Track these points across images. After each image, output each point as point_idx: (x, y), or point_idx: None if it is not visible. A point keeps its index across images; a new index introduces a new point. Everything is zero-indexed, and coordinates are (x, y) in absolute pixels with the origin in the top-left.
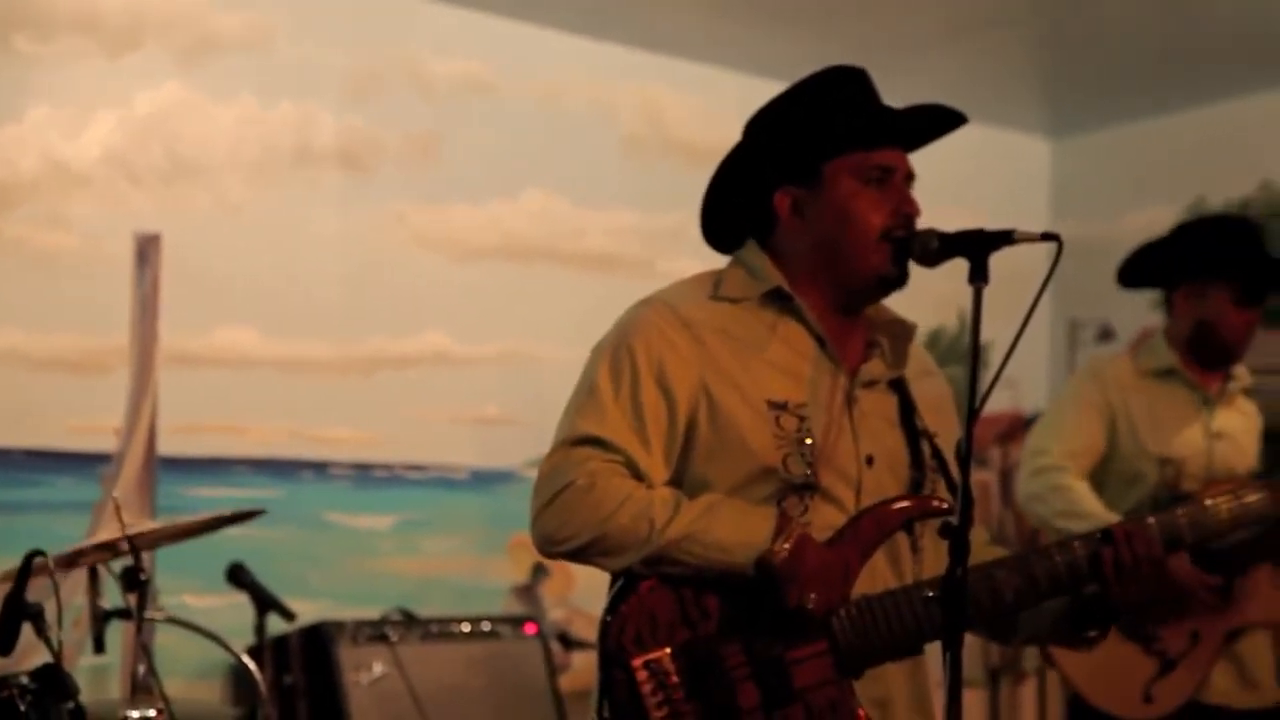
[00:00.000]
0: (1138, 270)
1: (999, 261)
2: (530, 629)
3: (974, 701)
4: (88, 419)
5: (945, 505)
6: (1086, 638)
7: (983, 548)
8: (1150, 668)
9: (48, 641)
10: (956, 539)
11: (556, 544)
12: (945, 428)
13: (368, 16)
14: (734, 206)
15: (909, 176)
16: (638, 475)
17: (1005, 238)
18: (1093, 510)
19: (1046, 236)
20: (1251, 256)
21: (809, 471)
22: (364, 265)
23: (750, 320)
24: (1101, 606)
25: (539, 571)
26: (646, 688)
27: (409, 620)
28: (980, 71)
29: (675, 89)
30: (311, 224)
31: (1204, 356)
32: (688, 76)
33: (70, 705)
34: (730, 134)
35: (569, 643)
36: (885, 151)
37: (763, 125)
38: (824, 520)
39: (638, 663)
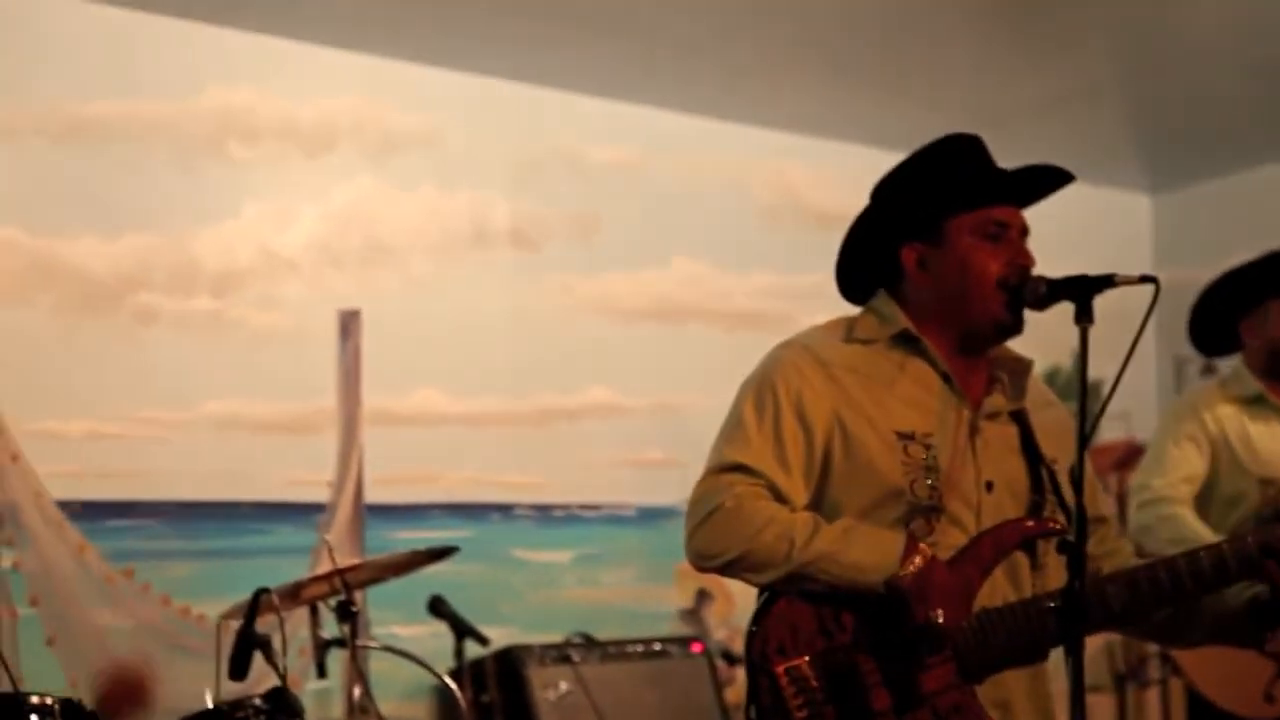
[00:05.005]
0: (1205, 335)
1: (1112, 305)
2: (697, 648)
3: (1102, 705)
4: (303, 474)
5: (1059, 526)
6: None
7: (1128, 559)
8: (1269, 669)
9: (276, 667)
10: (1074, 554)
11: (708, 559)
12: (1066, 454)
13: (530, 111)
14: (864, 262)
15: (1024, 231)
16: (779, 498)
17: (1107, 281)
18: (1198, 534)
19: (1145, 279)
20: None
21: (934, 495)
22: (535, 330)
23: (880, 360)
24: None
25: (703, 596)
26: (789, 692)
27: (589, 643)
28: (1082, 135)
29: (804, 162)
30: (489, 296)
31: None
32: (815, 150)
33: None
34: (855, 199)
35: (733, 659)
36: (1001, 209)
37: (889, 188)
38: (948, 541)
39: (780, 669)
